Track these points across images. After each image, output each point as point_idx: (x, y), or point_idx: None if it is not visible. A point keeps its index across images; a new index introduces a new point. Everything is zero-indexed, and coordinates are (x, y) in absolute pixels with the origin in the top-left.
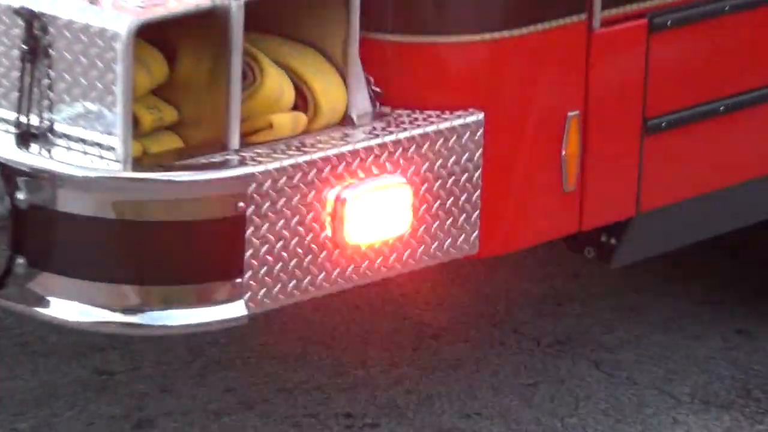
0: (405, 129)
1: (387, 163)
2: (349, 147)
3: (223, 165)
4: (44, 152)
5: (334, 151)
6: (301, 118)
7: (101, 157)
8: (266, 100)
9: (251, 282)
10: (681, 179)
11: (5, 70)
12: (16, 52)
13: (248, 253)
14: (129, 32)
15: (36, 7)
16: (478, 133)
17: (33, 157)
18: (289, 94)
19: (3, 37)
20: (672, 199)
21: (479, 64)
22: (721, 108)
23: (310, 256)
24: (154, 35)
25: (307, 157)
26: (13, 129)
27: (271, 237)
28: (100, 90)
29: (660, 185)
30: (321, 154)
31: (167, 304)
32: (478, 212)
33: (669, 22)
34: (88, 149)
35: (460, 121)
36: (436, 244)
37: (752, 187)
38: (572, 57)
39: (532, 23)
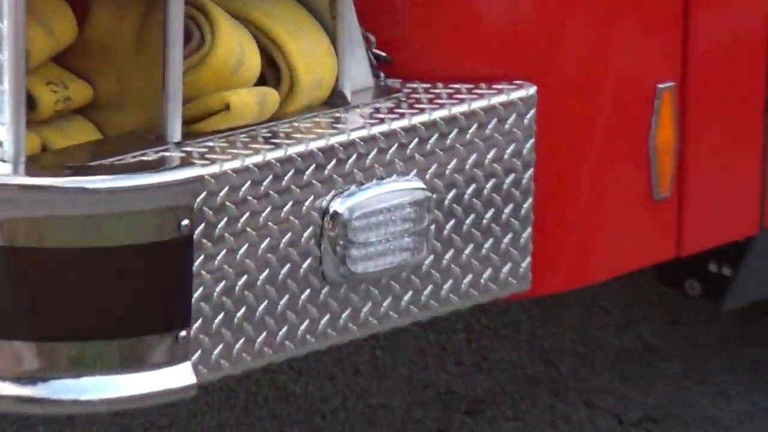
0: (422, 110)
1: (397, 161)
2: (342, 137)
3: (159, 165)
4: None
5: (321, 143)
6: (272, 95)
7: None
8: (220, 70)
9: (201, 335)
10: None
11: None
12: None
13: (197, 293)
14: None
15: None
16: (528, 115)
17: None
18: (253, 62)
19: None
20: None
21: (529, 12)
22: None
23: (286, 297)
24: None
25: (280, 153)
26: None
27: (230, 269)
28: None
29: None
30: (301, 147)
31: (80, 368)
32: (529, 231)
33: None
34: None
35: (502, 98)
36: (469, 277)
37: None
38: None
39: None
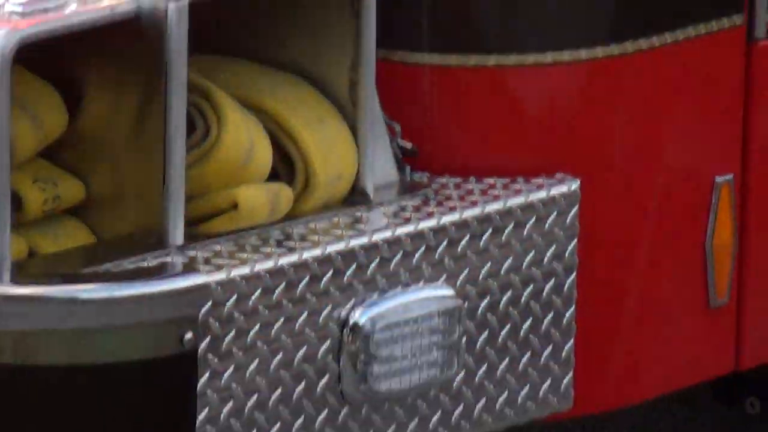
0: (453, 209)
1: (425, 266)
2: (363, 239)
3: (159, 272)
4: None
5: (339, 246)
6: (285, 192)
7: None
8: (227, 164)
9: None
10: None
11: None
12: None
13: (202, 415)
14: (4, 55)
15: None
16: (571, 214)
17: None
18: (264, 155)
19: None
20: None
21: (575, 99)
22: None
23: (301, 419)
24: (46, 66)
25: (294, 257)
26: None
27: (238, 388)
28: None
29: None
30: (317, 251)
31: None
32: (571, 343)
33: None
34: None
35: (542, 195)
36: (504, 395)
37: None
38: (723, 86)
39: (659, 33)
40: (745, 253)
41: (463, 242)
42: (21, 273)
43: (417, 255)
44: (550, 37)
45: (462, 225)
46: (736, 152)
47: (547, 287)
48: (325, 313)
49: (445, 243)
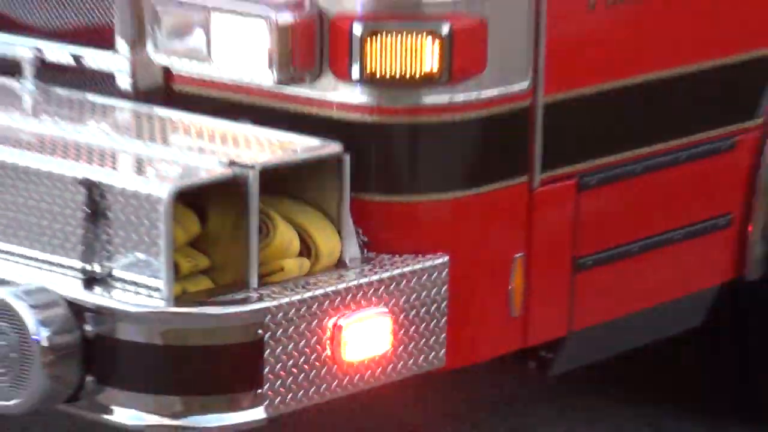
0: (387, 270)
1: (373, 297)
2: (343, 285)
3: (245, 301)
4: (105, 293)
5: (332, 288)
6: (305, 262)
7: (150, 296)
8: (278, 249)
9: (269, 392)
10: (604, 305)
11: (72, 229)
12: (80, 214)
13: (266, 370)
14: (169, 197)
15: (95, 178)
16: (444, 272)
17: (97, 297)
18: (295, 245)
19: (69, 201)
20: (596, 321)
21: (444, 217)
22: (636, 248)
23: (314, 371)
24: (189, 198)
25: (310, 294)
26: (80, 275)
27: (284, 357)
28: (148, 243)
29: (587, 310)
30: (321, 291)
31: (204, 410)
32: (444, 335)
33: (593, 182)
34: (140, 290)
35: (430, 263)
36: (412, 359)
37: (662, 309)
38: (517, 210)
39: (485, 184)
40: (528, 291)
41: (392, 286)
42: (179, 302)
43: (369, 292)
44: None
45: (392, 278)
46: (524, 242)
47: (433, 308)
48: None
49: (383, 287)
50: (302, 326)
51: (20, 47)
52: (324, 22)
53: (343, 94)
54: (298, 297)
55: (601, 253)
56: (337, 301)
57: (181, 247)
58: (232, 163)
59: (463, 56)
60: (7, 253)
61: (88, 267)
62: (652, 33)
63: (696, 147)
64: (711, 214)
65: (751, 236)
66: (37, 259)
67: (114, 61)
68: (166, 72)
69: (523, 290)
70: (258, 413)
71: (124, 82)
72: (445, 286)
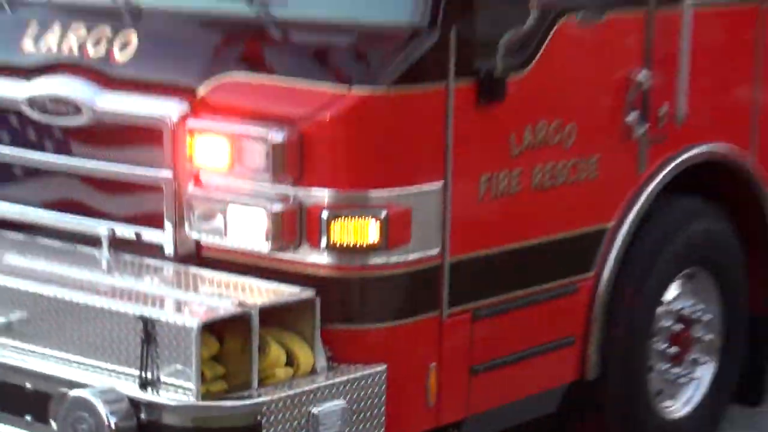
0: (345, 375)
1: (336, 393)
2: (315, 385)
3: (249, 397)
4: (154, 392)
5: (308, 388)
6: (290, 370)
7: (185, 394)
8: (271, 362)
9: None
10: (491, 396)
11: (132, 348)
12: (138, 338)
13: None
14: (198, 328)
15: (148, 314)
16: (384, 376)
17: (148, 395)
18: (283, 359)
19: (131, 329)
20: (486, 407)
21: (383, 339)
22: (512, 358)
23: None
24: (211, 328)
25: (293, 392)
26: (137, 380)
27: None
28: (184, 359)
29: (479, 400)
30: (300, 390)
31: None
32: (384, 417)
33: (482, 314)
34: (178, 390)
35: (373, 370)
36: None
37: (531, 398)
38: (432, 334)
39: (410, 317)
40: (440, 392)
41: (347, 386)
42: (205, 397)
43: (333, 390)
44: None
45: (345, 381)
46: (438, 355)
47: (373, 401)
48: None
49: (341, 386)
50: (288, 414)
51: (99, 227)
52: (302, 210)
53: (315, 258)
54: (284, 394)
55: (488, 362)
56: (311, 396)
57: (205, 361)
58: (240, 305)
59: (395, 232)
60: (87, 365)
61: (142, 374)
62: (522, 216)
63: (549, 291)
64: (561, 335)
65: (589, 351)
66: (108, 369)
67: (163, 237)
68: (197, 243)
69: (436, 388)
70: None
71: (169, 250)
72: (384, 385)
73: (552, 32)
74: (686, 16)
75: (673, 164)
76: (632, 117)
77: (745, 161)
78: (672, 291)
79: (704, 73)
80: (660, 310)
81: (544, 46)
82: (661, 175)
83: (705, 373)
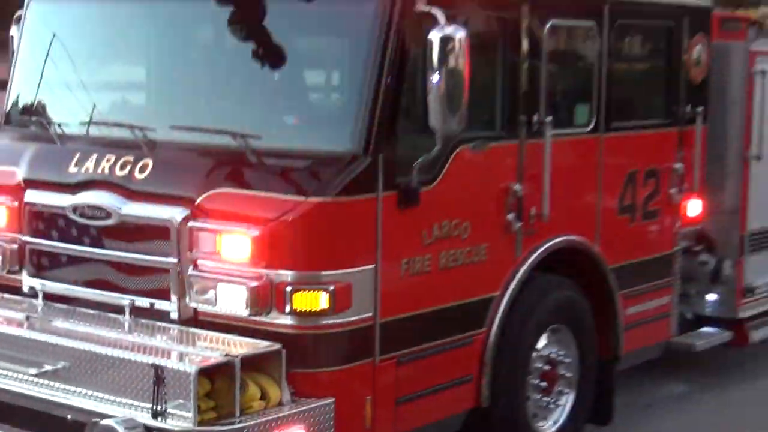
0: (304, 406)
1: (298, 421)
2: (282, 414)
3: (233, 423)
4: (163, 420)
5: (276, 416)
6: (263, 403)
7: (186, 422)
8: (249, 398)
9: None
10: (411, 420)
11: (147, 388)
12: (150, 381)
13: None
14: (195, 373)
15: (159, 363)
16: (333, 407)
17: (159, 423)
18: (258, 395)
19: (146, 374)
20: (409, 428)
21: (331, 379)
22: (428, 392)
23: None
24: (206, 372)
25: (266, 419)
26: (150, 411)
27: None
28: (184, 395)
29: (403, 423)
30: (271, 417)
31: None
32: None
33: (404, 360)
34: (181, 419)
35: (325, 402)
36: None
37: (441, 422)
38: (368, 376)
39: (351, 362)
40: (374, 426)
41: (305, 414)
42: (200, 425)
43: (295, 417)
44: None
45: (305, 410)
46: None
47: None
48: None
49: (301, 414)
50: None
51: (123, 299)
52: (272, 286)
53: (281, 320)
54: (259, 421)
55: (408, 395)
56: (280, 422)
57: (200, 397)
58: (227, 355)
59: (339, 301)
60: (113, 401)
61: (154, 407)
62: (432, 288)
63: (453, 342)
64: (462, 375)
65: (483, 385)
66: (128, 404)
67: (170, 306)
68: (195, 310)
69: (371, 415)
70: None
71: (174, 316)
72: (333, 414)
73: (452, 157)
74: (547, 145)
75: (540, 250)
76: (510, 216)
77: (592, 248)
78: (542, 341)
79: (561, 185)
80: (534, 355)
81: (446, 167)
82: (531, 258)
83: (567, 401)
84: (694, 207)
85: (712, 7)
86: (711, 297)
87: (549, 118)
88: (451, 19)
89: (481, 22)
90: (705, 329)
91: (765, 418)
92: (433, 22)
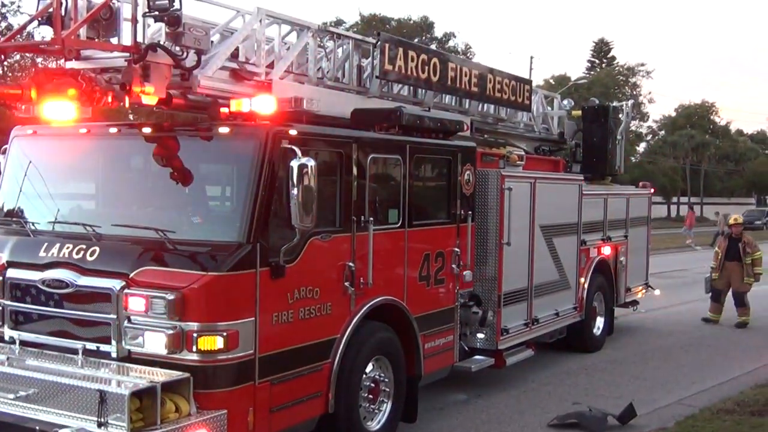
0: (208, 414)
1: (203, 426)
2: (192, 421)
3: (155, 429)
4: (105, 429)
5: (187, 423)
6: (177, 415)
7: (122, 429)
8: (168, 411)
9: None
10: (275, 424)
11: (95, 405)
12: (97, 401)
13: None
14: (128, 395)
15: (103, 388)
16: (225, 416)
17: (102, 431)
18: (173, 408)
19: (93, 394)
20: (281, 428)
21: (223, 398)
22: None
23: None
24: (137, 393)
25: (180, 425)
26: (96, 423)
27: None
28: (120, 411)
29: (276, 425)
30: (183, 423)
31: None
32: None
33: (276, 381)
34: (118, 427)
35: (222, 413)
36: None
37: (302, 424)
38: (248, 398)
39: (238, 385)
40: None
41: (212, 421)
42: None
43: (202, 424)
44: None
45: (211, 418)
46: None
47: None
48: None
49: (208, 421)
50: None
51: (77, 344)
52: (183, 333)
53: (190, 357)
54: (174, 427)
55: (279, 405)
56: (189, 428)
57: (133, 411)
58: (151, 382)
59: (230, 343)
60: (69, 415)
61: (99, 419)
62: (294, 332)
63: (308, 368)
64: (315, 391)
65: (330, 398)
66: (80, 418)
67: (110, 348)
68: (129, 351)
69: (253, 421)
70: None
71: (114, 355)
72: (226, 421)
73: (307, 244)
74: (370, 236)
75: (367, 306)
76: (347, 284)
77: (402, 304)
78: (369, 367)
79: (380, 263)
80: (363, 376)
81: (303, 251)
82: (361, 311)
83: (387, 407)
84: (467, 276)
85: (476, 146)
86: (480, 335)
87: (371, 218)
88: (305, 153)
89: (325, 155)
90: (476, 357)
91: (513, 412)
92: (293, 154)
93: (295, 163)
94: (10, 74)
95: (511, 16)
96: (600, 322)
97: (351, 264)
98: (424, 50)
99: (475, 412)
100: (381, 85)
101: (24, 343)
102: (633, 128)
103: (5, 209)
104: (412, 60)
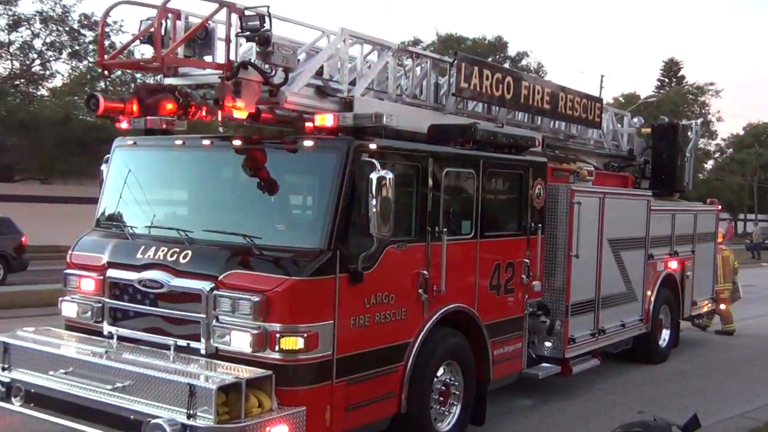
0: (288, 411)
1: (284, 421)
2: (273, 416)
3: (239, 422)
4: (193, 420)
5: (269, 418)
6: (260, 410)
7: (209, 421)
8: (251, 406)
9: None
10: (356, 420)
11: (185, 398)
12: (187, 394)
13: None
14: (216, 388)
15: (193, 382)
16: (304, 412)
17: (190, 422)
18: (257, 404)
19: (183, 387)
20: (356, 425)
21: (303, 396)
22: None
23: None
24: (223, 388)
25: (262, 420)
26: (185, 414)
27: None
28: (208, 404)
29: (351, 423)
30: (266, 418)
31: None
32: None
33: (353, 381)
34: (205, 419)
35: (301, 409)
36: None
37: (368, 425)
38: (326, 397)
39: (315, 384)
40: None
41: (291, 417)
42: (218, 422)
43: (283, 419)
44: None
45: (289, 414)
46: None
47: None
48: None
49: (288, 418)
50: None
51: (169, 340)
52: (267, 333)
53: (273, 356)
54: (257, 421)
55: (355, 404)
56: (270, 422)
57: (219, 405)
58: (237, 378)
59: (310, 343)
60: (162, 407)
61: (188, 411)
62: (370, 335)
63: (383, 370)
64: (389, 391)
65: (402, 398)
66: (171, 409)
67: (200, 345)
68: (217, 349)
69: (330, 418)
70: None
71: (203, 352)
72: (305, 417)
73: (384, 252)
74: (444, 246)
75: (440, 312)
76: (421, 291)
77: (472, 311)
78: (441, 371)
79: (453, 271)
80: (435, 379)
81: (380, 259)
82: (434, 317)
83: (456, 410)
84: (536, 286)
85: (547, 161)
86: (547, 344)
87: (445, 229)
88: (384, 166)
89: (403, 168)
90: (544, 364)
91: (578, 418)
92: (372, 167)
93: (374, 176)
94: (111, 88)
95: (582, 36)
96: (666, 334)
97: (425, 272)
98: (498, 69)
99: (541, 418)
100: (456, 102)
101: (121, 338)
102: (701, 146)
103: (107, 214)
104: (487, 78)
